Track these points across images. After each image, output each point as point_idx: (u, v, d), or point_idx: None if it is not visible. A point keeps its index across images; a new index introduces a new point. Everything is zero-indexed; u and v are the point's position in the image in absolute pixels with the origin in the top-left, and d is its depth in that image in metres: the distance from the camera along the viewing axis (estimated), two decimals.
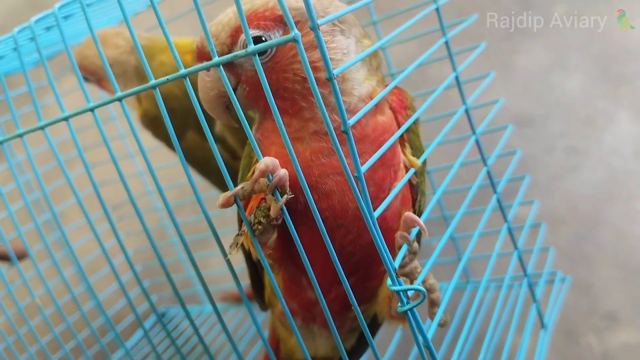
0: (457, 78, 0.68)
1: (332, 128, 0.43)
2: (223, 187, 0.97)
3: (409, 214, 0.54)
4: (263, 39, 0.51)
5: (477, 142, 0.71)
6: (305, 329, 0.68)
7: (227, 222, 1.18)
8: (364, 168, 0.44)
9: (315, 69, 0.44)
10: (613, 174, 1.14)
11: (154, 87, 0.51)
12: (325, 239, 0.47)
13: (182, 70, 0.48)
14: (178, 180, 1.05)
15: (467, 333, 0.61)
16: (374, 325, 0.71)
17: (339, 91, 0.43)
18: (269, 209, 0.50)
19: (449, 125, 0.61)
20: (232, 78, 0.53)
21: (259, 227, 0.51)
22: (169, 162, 0.99)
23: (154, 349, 0.70)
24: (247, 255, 0.69)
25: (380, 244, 0.45)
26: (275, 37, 0.51)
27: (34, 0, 2.28)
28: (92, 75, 0.90)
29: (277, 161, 0.48)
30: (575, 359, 0.92)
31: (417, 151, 0.60)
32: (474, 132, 0.70)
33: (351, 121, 0.44)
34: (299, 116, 0.54)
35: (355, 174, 0.44)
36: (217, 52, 0.47)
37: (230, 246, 0.52)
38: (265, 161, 0.48)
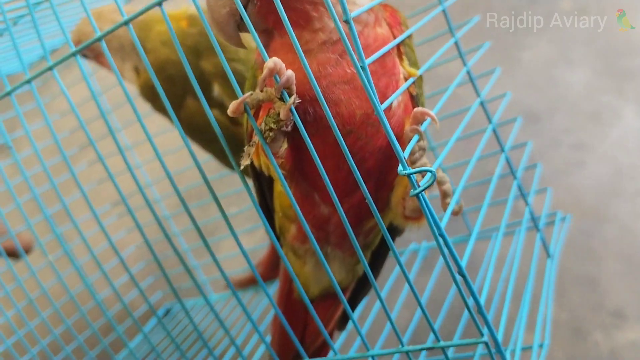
0: (469, 73, 0.72)
1: (336, 16, 0.46)
2: (223, 157, 0.95)
3: (419, 108, 0.57)
4: None
5: (494, 131, 0.75)
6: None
7: (232, 204, 1.18)
8: (369, 60, 0.47)
9: None
10: (619, 169, 1.14)
11: (99, 39, 0.55)
12: (339, 139, 0.49)
13: None
14: (181, 167, 1.04)
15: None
16: (384, 246, 0.73)
17: (354, 32, 0.45)
18: (278, 114, 0.51)
19: (466, 119, 0.64)
20: None
21: (270, 134, 0.52)
22: (170, 148, 0.98)
23: (154, 348, 0.69)
24: (256, 178, 0.70)
25: (388, 130, 0.47)
26: None
27: None
28: (91, 51, 0.90)
29: (283, 63, 0.50)
30: (582, 357, 0.91)
31: (414, 65, 0.63)
32: (490, 121, 0.75)
33: (354, 13, 0.46)
34: (310, 27, 0.55)
35: (361, 64, 0.46)
36: None
37: (242, 158, 0.54)
38: (273, 60, 0.49)
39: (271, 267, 1.08)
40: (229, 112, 0.52)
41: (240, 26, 0.56)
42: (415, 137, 0.55)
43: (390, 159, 0.59)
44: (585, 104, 1.28)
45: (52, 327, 0.86)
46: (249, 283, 1.16)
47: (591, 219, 1.09)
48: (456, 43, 0.71)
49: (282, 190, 0.57)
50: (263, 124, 0.52)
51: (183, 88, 0.84)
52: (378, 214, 0.52)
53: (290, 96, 0.51)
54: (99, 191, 1.10)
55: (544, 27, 1.39)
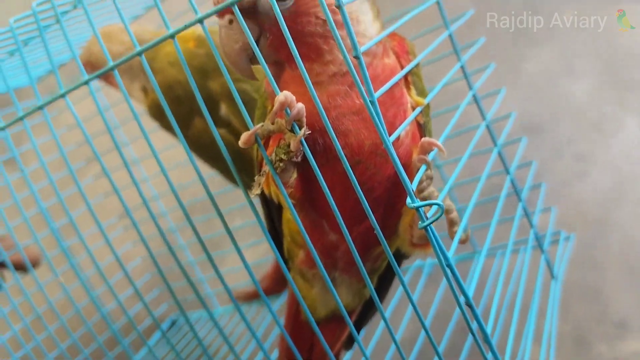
0: (474, 96, 0.74)
1: (345, 51, 0.47)
2: (229, 173, 0.96)
3: (426, 138, 0.59)
4: None
5: (499, 154, 0.77)
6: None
7: (236, 217, 1.19)
8: (377, 94, 0.48)
9: (332, 12, 0.48)
10: (622, 179, 1.15)
11: (112, 68, 0.57)
12: (348, 170, 0.50)
13: (199, 15, 0.50)
14: (186, 181, 1.05)
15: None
16: (391, 269, 0.74)
17: (347, 16, 0.46)
18: (289, 146, 0.53)
19: (472, 143, 0.65)
20: (255, 28, 0.55)
21: (280, 164, 0.53)
22: (175, 163, 0.99)
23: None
24: (265, 204, 0.72)
25: (397, 162, 0.48)
26: None
27: None
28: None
29: (294, 96, 0.51)
30: None
31: (421, 93, 0.64)
32: (495, 144, 0.76)
33: (363, 48, 0.47)
34: (320, 60, 0.57)
35: (370, 98, 0.47)
36: (241, 4, 0.51)
37: (252, 187, 0.55)
38: (284, 93, 0.51)
39: (276, 281, 1.09)
40: (240, 143, 0.53)
41: (252, 59, 0.57)
42: (423, 167, 0.56)
43: (398, 187, 0.59)
44: (588, 114, 1.29)
45: (59, 341, 0.87)
46: (254, 296, 1.16)
47: (594, 229, 1.09)
48: (462, 67, 0.72)
49: (291, 217, 0.58)
50: (273, 154, 0.53)
51: (190, 107, 0.85)
52: (386, 244, 0.53)
53: (300, 128, 0.52)
54: (104, 204, 1.10)
55: (546, 37, 1.40)
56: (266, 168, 0.54)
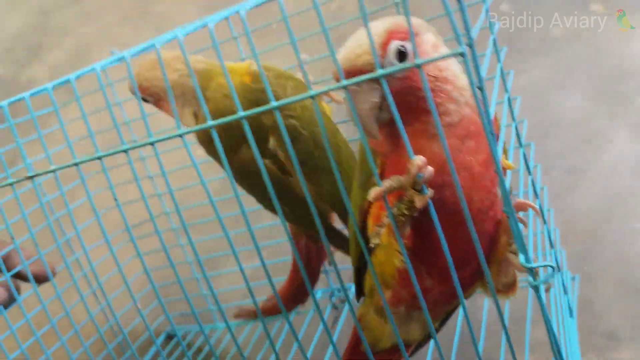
0: None
1: (478, 98, 0.50)
2: (264, 199, 0.99)
3: (521, 200, 0.65)
4: (404, 50, 0.56)
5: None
6: (406, 316, 0.75)
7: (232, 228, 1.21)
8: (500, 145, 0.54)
9: (438, 70, 0.54)
10: (612, 193, 1.18)
11: (211, 127, 0.59)
12: (469, 225, 0.53)
13: (344, 82, 0.53)
14: (188, 201, 1.08)
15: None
16: None
17: (486, 97, 0.51)
18: (411, 202, 0.56)
19: None
20: (377, 92, 0.57)
21: (402, 219, 0.58)
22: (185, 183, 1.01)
23: None
24: (355, 244, 0.75)
25: (514, 224, 0.52)
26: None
27: (42, 24, 2.33)
28: (152, 96, 0.93)
29: (425, 159, 0.55)
30: None
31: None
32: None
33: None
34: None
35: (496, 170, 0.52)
36: (366, 67, 0.54)
37: (373, 237, 0.61)
38: (421, 158, 0.54)
39: (288, 299, 1.11)
40: (370, 198, 0.56)
41: (378, 119, 0.59)
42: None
43: (494, 242, 0.65)
44: (578, 127, 1.32)
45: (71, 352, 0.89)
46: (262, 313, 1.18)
47: (584, 243, 1.13)
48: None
49: (384, 260, 0.64)
50: (395, 209, 0.57)
51: (241, 135, 0.88)
52: (495, 293, 0.58)
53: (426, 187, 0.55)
54: (105, 219, 1.13)
55: (538, 48, 1.43)
56: (385, 221, 0.60)
